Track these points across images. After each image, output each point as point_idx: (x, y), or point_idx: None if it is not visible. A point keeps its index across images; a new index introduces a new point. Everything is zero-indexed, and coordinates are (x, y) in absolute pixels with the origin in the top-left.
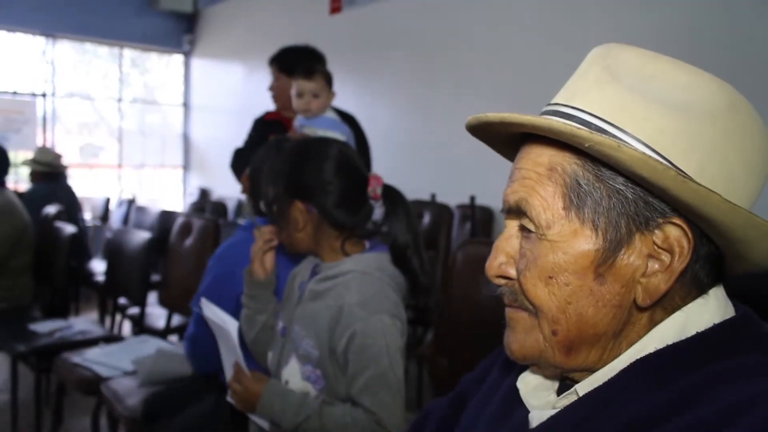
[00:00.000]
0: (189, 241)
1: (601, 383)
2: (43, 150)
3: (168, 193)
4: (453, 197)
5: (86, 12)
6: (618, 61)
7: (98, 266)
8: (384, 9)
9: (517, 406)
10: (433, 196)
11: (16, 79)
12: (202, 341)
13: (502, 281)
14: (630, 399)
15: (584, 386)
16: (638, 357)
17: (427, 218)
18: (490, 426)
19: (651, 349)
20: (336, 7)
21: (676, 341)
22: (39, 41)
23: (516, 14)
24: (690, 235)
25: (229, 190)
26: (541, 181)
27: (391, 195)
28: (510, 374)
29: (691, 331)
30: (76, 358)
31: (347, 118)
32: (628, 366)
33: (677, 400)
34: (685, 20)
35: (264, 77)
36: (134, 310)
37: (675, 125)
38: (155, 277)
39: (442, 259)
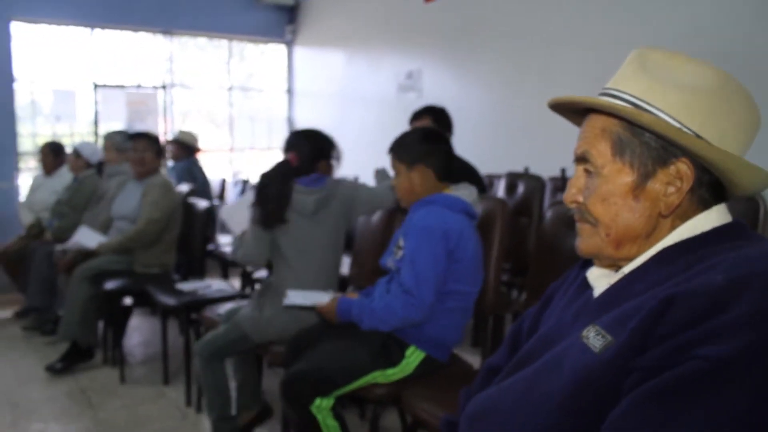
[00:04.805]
0: None
1: (638, 265)
2: (185, 132)
3: None
4: (545, 169)
5: (199, 9)
6: (648, 59)
7: (220, 238)
8: None
9: (586, 289)
10: (527, 168)
11: (140, 73)
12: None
13: (574, 205)
14: (652, 273)
15: (628, 268)
16: (662, 248)
17: (521, 189)
18: (567, 305)
19: (671, 243)
20: None
21: (687, 238)
22: (158, 38)
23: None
24: (692, 168)
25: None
26: (597, 138)
27: None
28: (582, 271)
29: (698, 232)
30: (219, 310)
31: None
32: (655, 254)
33: (677, 270)
34: None
35: (363, 63)
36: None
37: (684, 99)
38: None
39: (535, 225)
